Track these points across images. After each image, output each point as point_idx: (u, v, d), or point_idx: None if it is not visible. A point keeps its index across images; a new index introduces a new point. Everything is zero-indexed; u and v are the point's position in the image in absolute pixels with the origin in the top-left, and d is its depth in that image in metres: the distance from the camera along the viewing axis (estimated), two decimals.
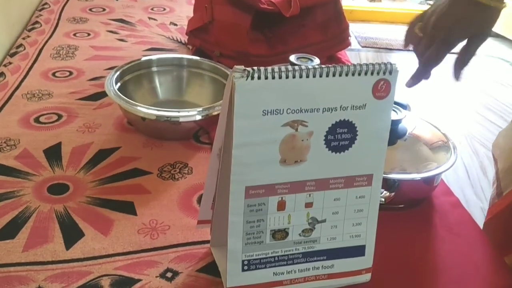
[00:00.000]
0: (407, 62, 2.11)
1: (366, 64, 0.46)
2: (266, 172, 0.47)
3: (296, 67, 0.44)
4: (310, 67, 0.44)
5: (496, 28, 2.29)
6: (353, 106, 0.47)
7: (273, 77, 0.43)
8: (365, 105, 0.47)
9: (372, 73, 0.46)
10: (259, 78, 0.43)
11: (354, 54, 2.08)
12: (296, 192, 0.48)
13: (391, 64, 0.47)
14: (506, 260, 0.64)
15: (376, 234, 0.53)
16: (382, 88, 0.47)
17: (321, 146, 0.47)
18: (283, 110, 0.45)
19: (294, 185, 0.48)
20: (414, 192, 0.68)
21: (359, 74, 0.46)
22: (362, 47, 2.19)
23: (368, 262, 0.54)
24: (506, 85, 2.04)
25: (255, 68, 0.43)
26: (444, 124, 1.64)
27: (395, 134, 0.68)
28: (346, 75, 0.45)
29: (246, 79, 0.43)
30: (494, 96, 1.83)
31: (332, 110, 0.46)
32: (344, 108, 0.46)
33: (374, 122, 0.48)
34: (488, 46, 2.30)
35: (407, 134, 0.70)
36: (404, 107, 0.76)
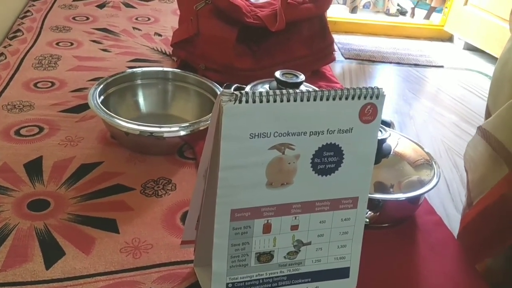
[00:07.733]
0: (388, 74, 2.14)
1: (354, 89, 0.46)
2: (252, 195, 0.46)
3: (284, 91, 0.44)
4: (298, 91, 0.44)
5: (475, 42, 2.33)
6: (340, 130, 0.47)
7: (261, 101, 0.43)
8: (351, 129, 0.47)
9: (359, 97, 0.46)
10: (246, 101, 0.43)
11: (338, 66, 2.10)
12: (282, 215, 0.48)
13: (378, 88, 0.47)
14: (478, 267, 0.65)
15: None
16: (369, 112, 0.47)
17: (307, 169, 0.47)
18: (270, 133, 0.45)
19: (280, 208, 0.48)
20: (398, 211, 0.68)
21: (346, 99, 0.46)
22: (346, 58, 2.21)
23: (352, 284, 0.54)
24: (485, 98, 2.07)
25: (243, 92, 0.43)
26: (424, 138, 1.67)
27: (380, 153, 0.69)
28: (333, 99, 0.45)
29: (234, 103, 0.42)
30: (474, 110, 1.86)
31: (319, 134, 0.46)
32: (331, 132, 0.47)
33: (361, 146, 0.48)
34: (467, 60, 2.34)
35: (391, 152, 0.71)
36: (388, 124, 0.77)
